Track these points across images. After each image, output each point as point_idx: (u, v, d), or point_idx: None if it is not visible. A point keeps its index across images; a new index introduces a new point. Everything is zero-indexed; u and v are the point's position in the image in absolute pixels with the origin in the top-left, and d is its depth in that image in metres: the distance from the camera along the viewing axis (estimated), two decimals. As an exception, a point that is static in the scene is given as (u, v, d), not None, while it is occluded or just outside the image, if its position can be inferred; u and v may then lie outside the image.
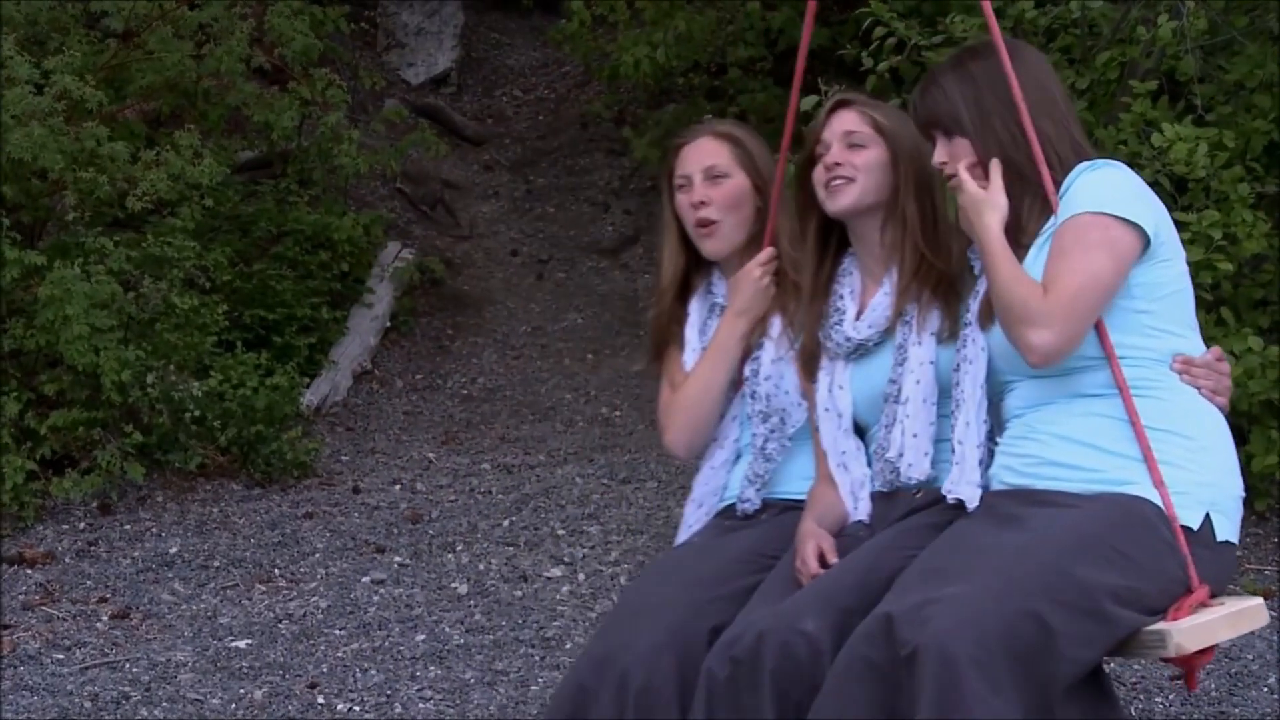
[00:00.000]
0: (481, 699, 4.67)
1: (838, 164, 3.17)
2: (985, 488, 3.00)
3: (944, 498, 3.05)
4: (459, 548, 6.10)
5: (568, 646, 5.10)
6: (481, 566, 5.88)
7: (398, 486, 6.92)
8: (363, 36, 10.93)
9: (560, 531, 6.30)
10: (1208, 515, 2.89)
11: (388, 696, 4.69)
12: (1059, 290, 2.79)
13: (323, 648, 5.10)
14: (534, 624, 5.30)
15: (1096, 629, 2.67)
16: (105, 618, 5.40)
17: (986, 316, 2.98)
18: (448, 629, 5.24)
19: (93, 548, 6.09)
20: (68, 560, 5.96)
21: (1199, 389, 2.96)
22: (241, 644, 5.13)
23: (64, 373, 6.61)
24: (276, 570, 5.85)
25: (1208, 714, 4.56)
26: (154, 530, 6.26)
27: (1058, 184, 2.95)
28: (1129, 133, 6.09)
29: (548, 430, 7.82)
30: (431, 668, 4.91)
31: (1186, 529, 2.84)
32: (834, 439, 3.22)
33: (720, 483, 3.42)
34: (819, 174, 3.21)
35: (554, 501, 6.66)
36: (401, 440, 7.69)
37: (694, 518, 3.44)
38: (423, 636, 5.18)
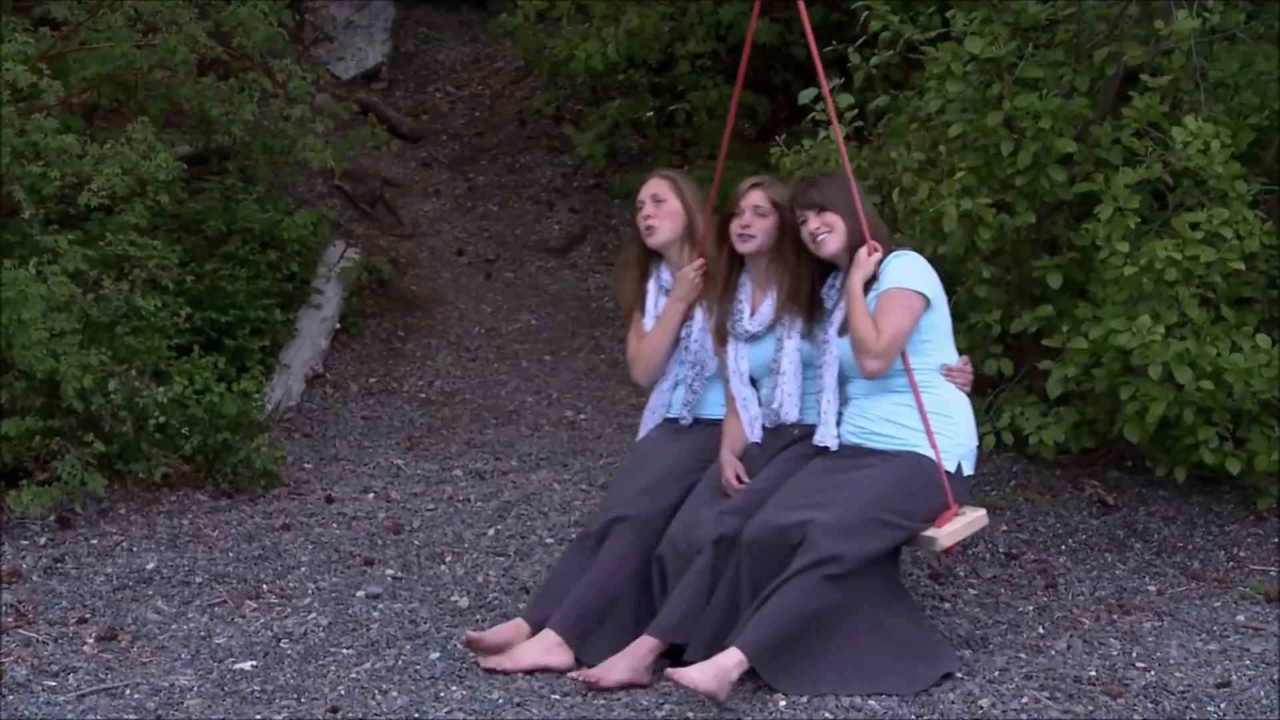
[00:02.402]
0: (516, 720, 4.45)
1: (747, 225, 5.01)
2: (840, 438, 4.85)
3: (812, 435, 4.89)
4: (449, 558, 5.86)
5: (589, 661, 4.88)
6: (479, 578, 5.64)
7: (371, 495, 6.64)
8: (290, 30, 10.56)
9: (549, 540, 6.07)
10: (959, 463, 4.78)
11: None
12: (884, 337, 4.70)
13: (334, 668, 4.83)
14: (549, 639, 5.07)
15: (893, 532, 4.66)
16: (91, 639, 5.08)
17: (842, 331, 4.84)
18: (460, 645, 4.99)
19: (59, 564, 5.75)
20: (35, 578, 5.61)
21: (955, 384, 4.84)
22: (246, 666, 4.85)
23: (15, 379, 6.24)
24: (264, 586, 5.56)
25: (1260, 722, 4.48)
26: (124, 545, 5.93)
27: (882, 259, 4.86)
28: (1128, 131, 6.01)
29: (514, 434, 7.58)
30: (454, 687, 4.67)
31: (948, 472, 4.73)
32: (738, 389, 5.06)
33: (665, 401, 5.25)
34: (735, 227, 5.04)
35: (536, 509, 6.44)
36: (364, 446, 7.41)
37: (650, 422, 5.28)
38: (436, 654, 4.92)
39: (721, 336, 5.08)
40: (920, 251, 6.26)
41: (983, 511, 4.88)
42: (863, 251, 4.81)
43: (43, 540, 5.97)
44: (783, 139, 6.34)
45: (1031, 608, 5.32)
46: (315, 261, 8.65)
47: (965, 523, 4.77)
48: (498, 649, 4.80)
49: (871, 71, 6.51)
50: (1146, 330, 5.54)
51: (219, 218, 8.05)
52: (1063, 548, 5.83)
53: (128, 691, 4.66)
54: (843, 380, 4.89)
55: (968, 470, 4.83)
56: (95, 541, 5.96)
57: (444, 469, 7.04)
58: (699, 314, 5.15)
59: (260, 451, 6.63)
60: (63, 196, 6.82)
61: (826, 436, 4.85)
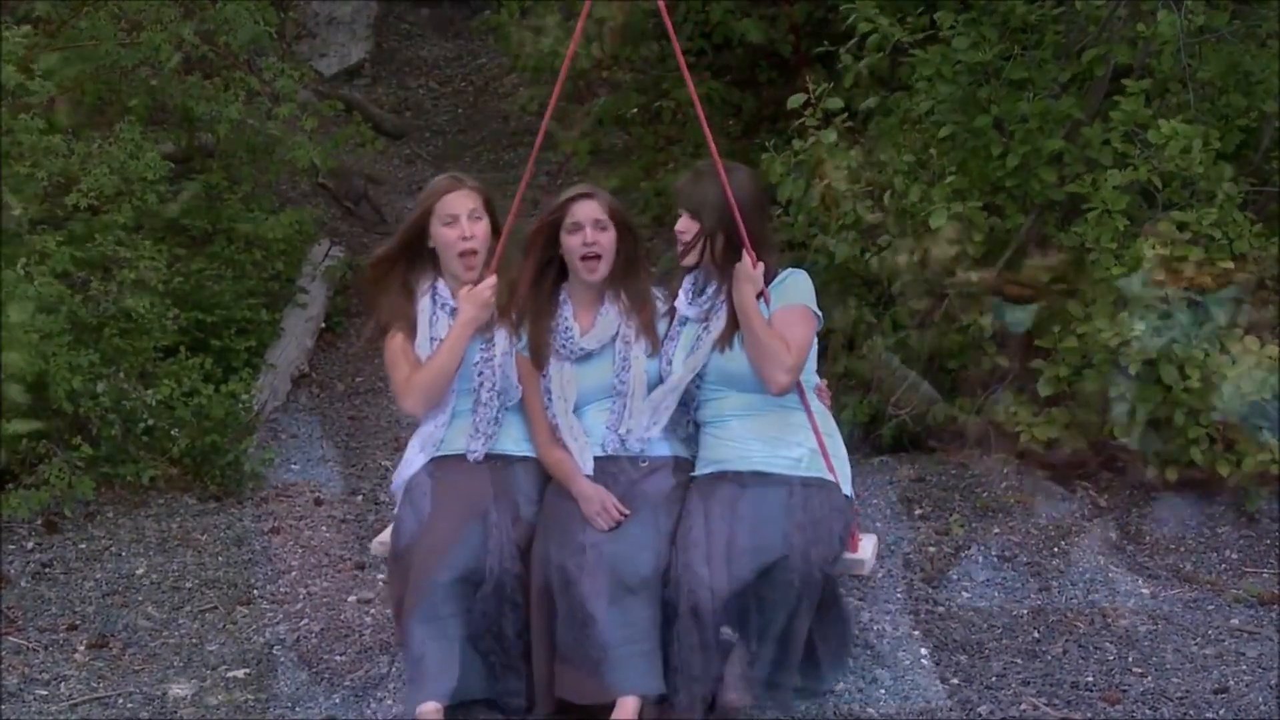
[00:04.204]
0: (514, 729, 4.42)
1: (592, 243, 4.42)
2: (729, 465, 4.38)
3: (664, 467, 4.41)
4: (440, 562, 5.82)
5: (584, 668, 4.85)
6: (472, 583, 5.61)
7: (359, 498, 6.61)
8: (273, 27, 10.49)
9: (540, 543, 6.04)
10: (851, 488, 4.53)
11: (414, 729, 4.42)
12: (794, 351, 4.33)
13: (327, 676, 4.80)
14: (544, 645, 5.04)
15: (830, 556, 4.35)
16: (82, 647, 5.04)
17: (725, 343, 4.42)
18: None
19: (48, 569, 5.70)
20: (24, 584, 5.57)
21: (825, 404, 4.55)
22: (239, 674, 4.82)
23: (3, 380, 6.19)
24: (255, 591, 5.53)
25: (1257, 726, 4.49)
26: (112, 549, 5.88)
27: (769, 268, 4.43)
28: (1117, 134, 6.01)
29: (501, 435, 7.54)
30: (450, 695, 4.64)
31: (846, 496, 4.46)
32: (565, 416, 4.44)
33: (439, 436, 4.49)
34: (576, 246, 4.44)
35: (527, 511, 6.40)
36: (351, 447, 7.37)
37: (417, 460, 4.48)
38: (431, 661, 4.90)
39: (540, 359, 4.48)
40: (908, 254, 6.32)
41: (874, 535, 4.72)
42: (746, 264, 4.34)
43: (30, 544, 5.92)
44: (771, 143, 6.33)
45: (1025, 611, 5.32)
46: (300, 260, 8.60)
47: (873, 544, 4.58)
48: None
49: (861, 72, 6.51)
50: (1127, 328, 5.56)
51: (204, 217, 7.99)
52: (1055, 550, 5.83)
53: (120, 701, 4.63)
54: (689, 397, 4.49)
55: (852, 493, 4.57)
56: (83, 546, 5.91)
57: (432, 470, 7.00)
58: (500, 337, 4.48)
59: (248, 454, 6.59)
60: (47, 195, 6.77)
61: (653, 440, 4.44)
